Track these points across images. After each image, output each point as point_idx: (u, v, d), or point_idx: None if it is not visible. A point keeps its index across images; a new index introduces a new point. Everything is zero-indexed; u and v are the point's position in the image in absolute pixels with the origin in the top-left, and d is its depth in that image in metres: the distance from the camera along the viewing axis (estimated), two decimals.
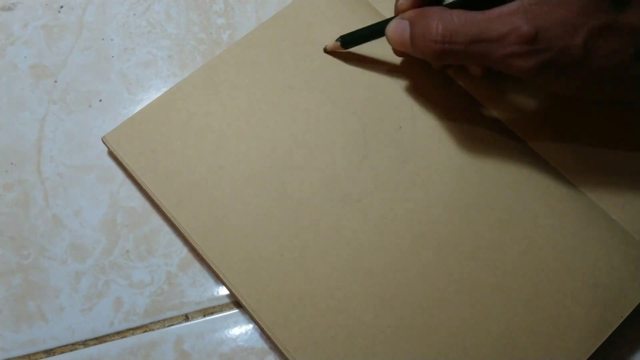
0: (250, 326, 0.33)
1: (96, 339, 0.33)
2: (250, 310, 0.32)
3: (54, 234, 0.35)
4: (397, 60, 0.37)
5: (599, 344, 0.31)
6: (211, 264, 0.32)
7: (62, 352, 0.33)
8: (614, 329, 0.31)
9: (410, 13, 0.31)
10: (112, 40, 0.39)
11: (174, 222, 0.33)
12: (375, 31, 0.34)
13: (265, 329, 0.31)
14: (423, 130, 0.35)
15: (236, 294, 0.32)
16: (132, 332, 0.33)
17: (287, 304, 0.31)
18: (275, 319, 0.31)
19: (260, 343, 0.33)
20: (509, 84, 0.36)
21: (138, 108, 0.36)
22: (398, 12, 0.32)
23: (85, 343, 0.33)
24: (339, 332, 0.31)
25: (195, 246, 0.33)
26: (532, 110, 0.36)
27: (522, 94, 0.36)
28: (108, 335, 0.33)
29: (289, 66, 0.37)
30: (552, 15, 0.27)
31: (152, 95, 0.37)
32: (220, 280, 0.33)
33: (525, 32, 0.27)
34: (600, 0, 0.27)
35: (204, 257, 0.33)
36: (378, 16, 0.38)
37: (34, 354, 0.33)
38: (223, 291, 0.34)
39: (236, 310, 0.34)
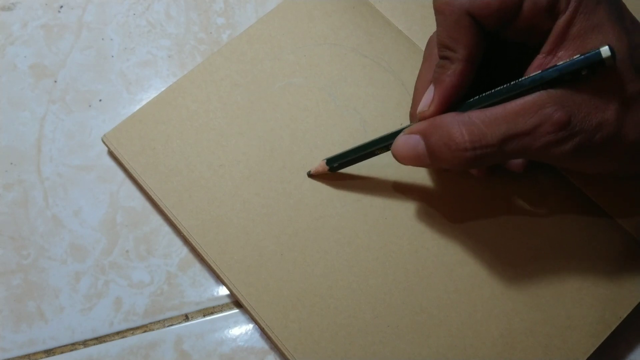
0: (250, 326, 0.33)
1: (96, 339, 0.33)
2: (250, 310, 0.32)
3: (54, 234, 0.35)
4: None
5: (598, 344, 0.31)
6: (211, 263, 0.32)
7: (62, 352, 0.33)
8: (612, 329, 0.31)
9: (419, 126, 0.29)
10: (111, 40, 0.39)
11: (174, 221, 0.33)
12: (368, 152, 0.32)
13: (265, 328, 0.31)
14: None
15: (236, 293, 0.32)
16: (132, 332, 0.33)
17: (286, 303, 0.31)
18: (275, 318, 0.31)
19: (260, 343, 0.33)
20: None
21: (138, 108, 0.35)
22: (419, 119, 0.30)
23: (85, 343, 0.33)
24: (338, 332, 0.31)
25: (195, 245, 0.33)
26: None
27: None
28: (108, 335, 0.33)
29: (290, 62, 0.36)
30: (580, 95, 0.26)
31: (152, 95, 0.37)
32: (220, 280, 0.33)
33: (559, 119, 0.26)
34: (624, 71, 0.26)
35: (204, 256, 0.33)
36: (376, 14, 0.38)
37: (34, 354, 0.33)
38: (223, 291, 0.34)
39: (236, 310, 0.34)
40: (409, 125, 0.30)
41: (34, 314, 0.33)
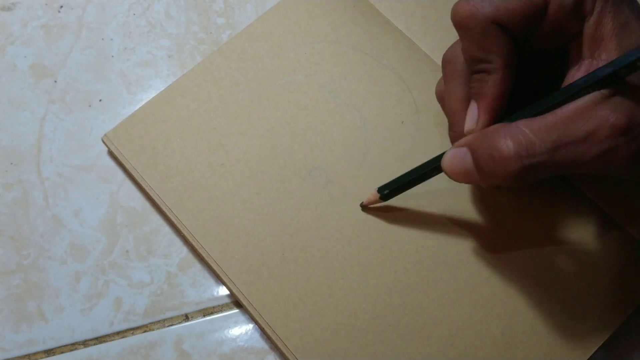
0: (250, 326, 0.33)
1: (96, 339, 0.33)
2: (250, 310, 0.32)
3: (54, 234, 0.35)
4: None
5: (599, 344, 0.31)
6: (211, 263, 0.32)
7: (62, 352, 0.33)
8: (613, 330, 0.31)
9: (467, 139, 0.27)
10: (111, 40, 0.39)
11: (174, 221, 0.33)
12: (420, 176, 0.31)
13: (265, 328, 0.31)
14: (426, 125, 0.35)
15: (236, 293, 0.32)
16: (132, 332, 0.33)
17: (287, 303, 0.31)
18: (275, 318, 0.31)
19: (260, 343, 0.33)
20: None
21: (138, 108, 0.35)
22: (461, 136, 0.28)
23: (85, 343, 0.33)
24: (339, 331, 0.31)
25: (195, 245, 0.33)
26: None
27: None
28: (108, 335, 0.33)
29: (290, 60, 0.36)
30: (635, 96, 0.24)
31: (152, 95, 0.37)
32: (220, 280, 0.33)
33: (617, 122, 0.24)
34: None
35: (204, 256, 0.33)
36: (376, 14, 0.38)
37: (34, 354, 0.33)
38: (223, 291, 0.34)
39: (236, 310, 0.34)
40: None
41: (34, 314, 0.33)
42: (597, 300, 0.32)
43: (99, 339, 0.33)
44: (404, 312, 0.31)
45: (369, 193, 0.33)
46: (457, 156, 0.27)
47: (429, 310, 0.32)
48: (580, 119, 0.24)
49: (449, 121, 0.30)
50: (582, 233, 0.33)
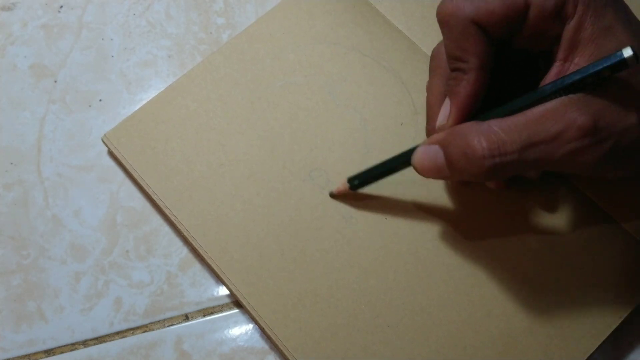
0: (250, 326, 0.33)
1: (96, 339, 0.33)
2: (250, 310, 0.32)
3: (54, 234, 0.35)
4: None
5: (598, 344, 0.31)
6: (211, 263, 0.32)
7: (62, 352, 0.33)
8: (613, 329, 0.31)
9: (438, 136, 0.28)
10: (111, 40, 0.39)
11: (174, 221, 0.33)
12: (390, 169, 0.32)
13: (265, 327, 0.31)
14: (425, 127, 0.35)
15: (236, 292, 0.32)
16: (132, 332, 0.33)
17: (287, 303, 0.31)
18: (275, 318, 0.31)
19: (260, 343, 0.33)
20: None
21: (138, 108, 0.35)
22: (436, 131, 0.29)
23: (85, 343, 0.33)
24: (338, 331, 0.31)
25: (195, 245, 0.33)
26: None
27: None
28: (108, 335, 0.33)
29: (290, 61, 0.36)
30: (602, 100, 0.25)
31: (152, 95, 0.37)
32: (220, 280, 0.33)
33: (584, 124, 0.25)
34: (637, 74, 0.25)
35: (204, 256, 0.33)
36: (376, 14, 0.38)
37: (34, 354, 0.33)
38: (223, 291, 0.34)
39: (236, 310, 0.34)
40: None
41: (34, 314, 0.33)
42: (597, 300, 0.32)
43: (99, 339, 0.33)
44: (403, 313, 0.31)
45: (369, 194, 0.33)
46: (428, 153, 0.28)
47: (428, 310, 0.32)
48: (549, 120, 0.25)
49: (427, 115, 0.31)
50: (581, 234, 0.33)
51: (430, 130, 0.30)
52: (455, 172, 0.27)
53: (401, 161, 0.31)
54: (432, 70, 0.31)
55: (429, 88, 0.31)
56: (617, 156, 0.26)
